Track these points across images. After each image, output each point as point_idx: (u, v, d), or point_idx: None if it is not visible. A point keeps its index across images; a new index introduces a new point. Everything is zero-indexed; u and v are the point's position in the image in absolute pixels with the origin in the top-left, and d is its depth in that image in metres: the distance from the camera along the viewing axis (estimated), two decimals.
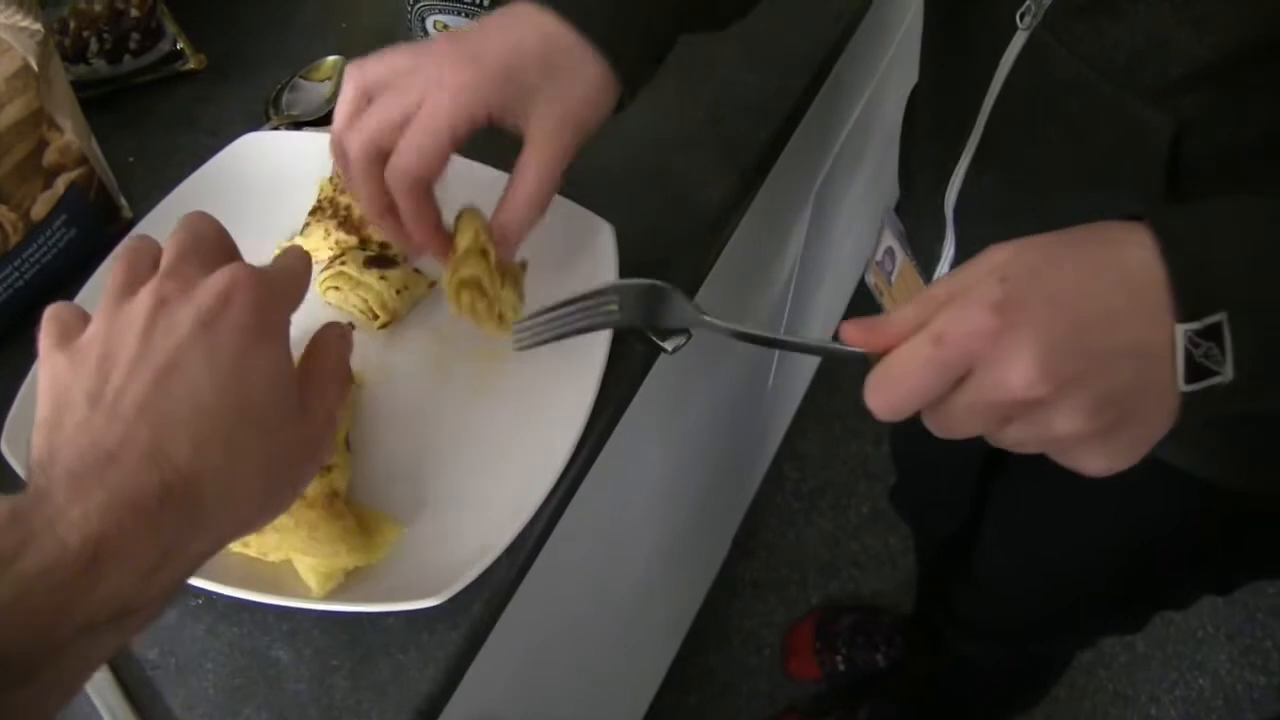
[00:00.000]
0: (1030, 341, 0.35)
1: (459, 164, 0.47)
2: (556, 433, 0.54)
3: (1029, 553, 0.92)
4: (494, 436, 0.54)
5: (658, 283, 0.47)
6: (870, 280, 0.88)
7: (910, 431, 1.12)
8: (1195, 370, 0.36)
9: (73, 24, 0.69)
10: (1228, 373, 0.36)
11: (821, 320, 1.70)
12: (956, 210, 0.64)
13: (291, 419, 0.38)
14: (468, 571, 0.48)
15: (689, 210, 0.66)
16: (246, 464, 0.36)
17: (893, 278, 0.82)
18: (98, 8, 0.69)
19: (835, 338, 0.41)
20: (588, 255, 0.59)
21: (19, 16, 0.55)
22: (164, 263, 0.39)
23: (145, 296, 0.37)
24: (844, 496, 1.76)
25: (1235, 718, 1.57)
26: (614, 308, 0.48)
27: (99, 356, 0.36)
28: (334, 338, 0.43)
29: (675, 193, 0.67)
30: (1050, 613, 0.98)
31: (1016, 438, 0.38)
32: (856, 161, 1.26)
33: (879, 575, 1.67)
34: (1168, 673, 1.61)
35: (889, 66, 1.15)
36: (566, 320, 0.49)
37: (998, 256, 0.38)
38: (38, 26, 0.56)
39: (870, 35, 0.97)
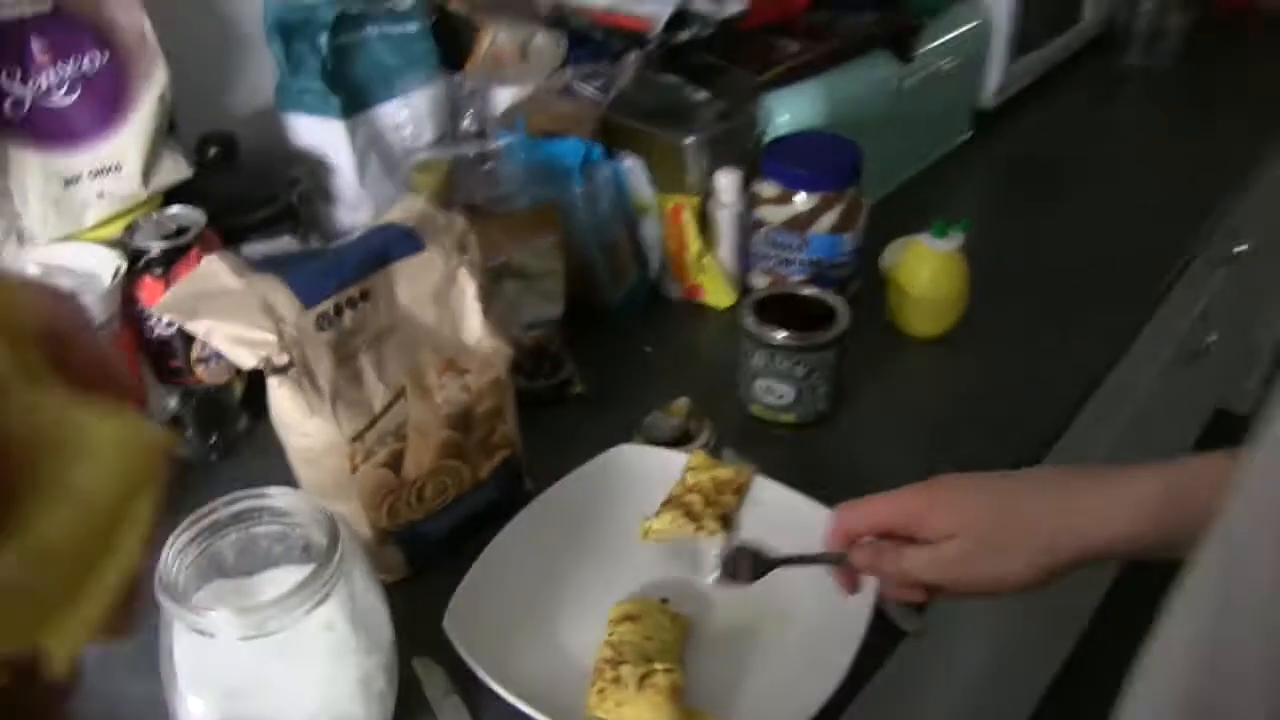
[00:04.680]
0: None
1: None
2: (810, 686, 0.68)
3: None
4: (773, 668, 0.71)
5: None
6: None
7: None
8: None
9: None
10: None
11: None
12: None
13: None
14: None
15: None
16: None
17: None
18: (528, 344, 0.96)
19: None
20: None
21: (501, 343, 0.81)
22: None
23: None
24: None
25: None
26: None
27: None
28: None
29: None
30: None
31: None
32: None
33: None
34: None
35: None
36: None
37: None
38: (509, 350, 0.81)
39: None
